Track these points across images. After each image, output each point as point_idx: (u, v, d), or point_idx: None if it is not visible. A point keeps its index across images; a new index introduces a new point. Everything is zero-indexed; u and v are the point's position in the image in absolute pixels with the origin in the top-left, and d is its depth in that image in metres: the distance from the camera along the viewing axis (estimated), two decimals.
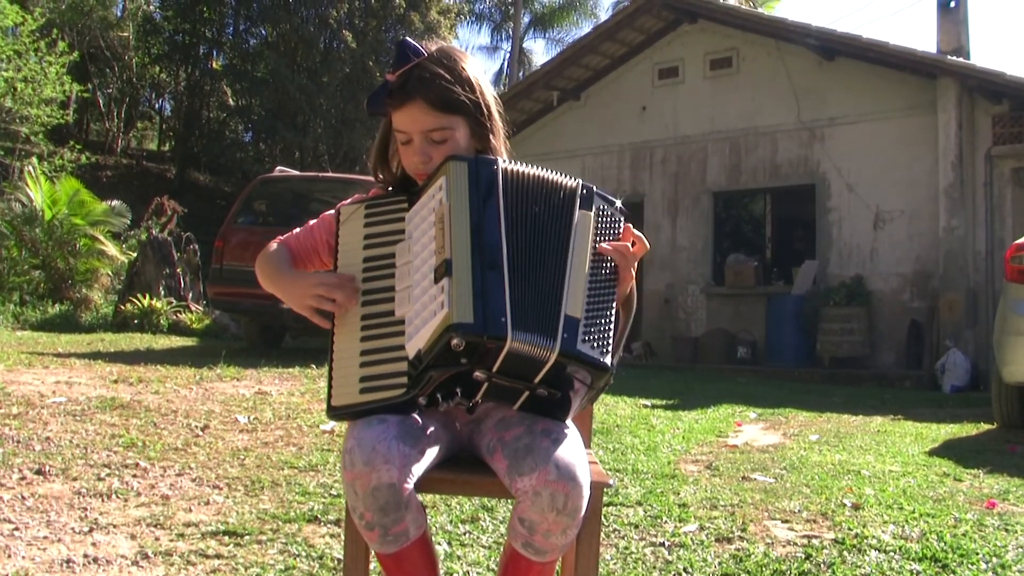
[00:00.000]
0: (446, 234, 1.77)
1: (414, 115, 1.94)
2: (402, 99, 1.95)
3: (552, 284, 1.78)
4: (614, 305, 1.84)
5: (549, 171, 1.92)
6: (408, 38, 2.05)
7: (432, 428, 1.87)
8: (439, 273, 1.75)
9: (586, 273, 1.81)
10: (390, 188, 2.09)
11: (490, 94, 2.04)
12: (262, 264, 2.09)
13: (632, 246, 1.91)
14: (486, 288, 1.72)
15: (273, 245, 2.14)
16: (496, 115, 2.05)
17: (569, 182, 1.91)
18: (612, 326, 1.80)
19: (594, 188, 1.93)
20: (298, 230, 2.18)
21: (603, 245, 1.87)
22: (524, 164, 1.91)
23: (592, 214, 1.89)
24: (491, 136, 2.03)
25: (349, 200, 2.09)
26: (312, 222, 2.18)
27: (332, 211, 2.13)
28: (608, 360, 1.76)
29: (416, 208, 1.92)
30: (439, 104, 1.93)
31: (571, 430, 1.88)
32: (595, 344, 1.75)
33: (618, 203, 1.96)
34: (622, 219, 1.95)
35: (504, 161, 1.91)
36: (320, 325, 1.93)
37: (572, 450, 1.80)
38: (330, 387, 1.85)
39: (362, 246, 1.97)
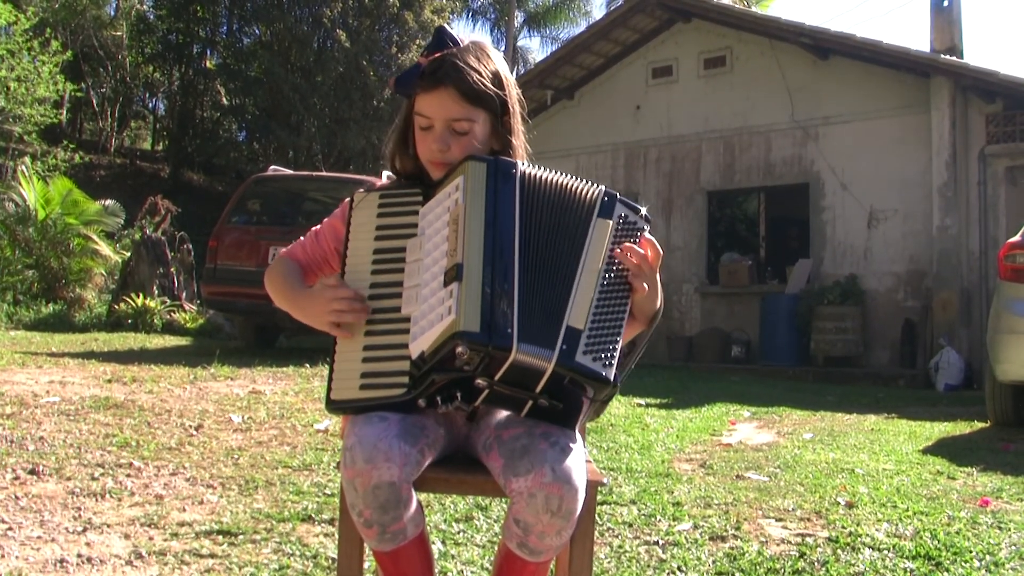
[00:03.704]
0: (459, 237, 1.76)
1: (442, 101, 1.93)
2: (433, 83, 1.93)
3: (558, 294, 1.77)
4: (625, 317, 1.82)
5: (570, 177, 1.90)
6: (446, 26, 2.04)
7: (432, 427, 1.87)
8: (449, 277, 1.73)
9: (596, 284, 1.79)
10: (403, 179, 2.07)
11: (516, 95, 2.03)
12: (272, 281, 2.06)
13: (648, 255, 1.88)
14: (495, 298, 1.70)
15: (280, 259, 2.11)
16: (519, 117, 2.04)
17: (590, 189, 1.90)
18: (619, 338, 1.78)
19: (617, 196, 1.91)
20: (303, 239, 2.15)
21: (617, 252, 1.84)
22: (545, 169, 1.89)
23: (611, 222, 1.86)
24: (511, 137, 2.02)
25: (362, 190, 2.06)
26: (316, 228, 2.15)
27: (337, 214, 2.10)
28: (610, 373, 1.74)
29: (431, 205, 1.90)
30: (468, 94, 1.92)
31: (571, 432, 1.86)
32: (597, 356, 1.73)
33: (643, 210, 1.94)
34: (646, 228, 1.92)
35: (524, 165, 1.89)
36: (338, 335, 1.89)
37: (569, 453, 1.78)
38: (330, 379, 1.83)
39: (373, 236, 1.95)
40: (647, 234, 1.92)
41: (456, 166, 1.88)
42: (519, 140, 2.05)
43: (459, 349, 1.66)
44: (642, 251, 1.87)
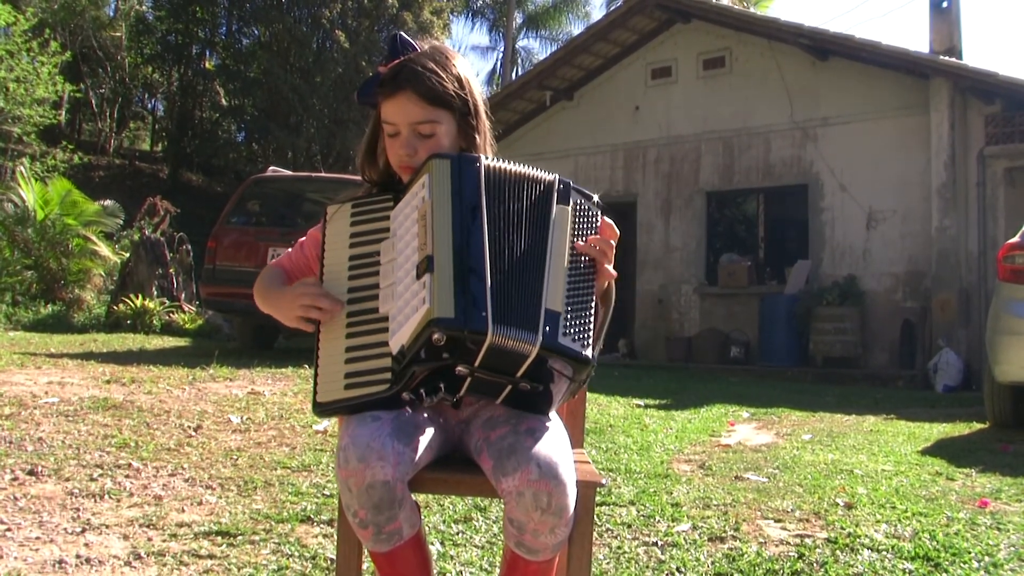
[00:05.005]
0: (428, 231, 1.79)
1: (403, 106, 1.96)
2: (392, 89, 1.96)
3: (532, 278, 1.79)
4: (594, 298, 1.85)
5: (527, 167, 1.92)
6: (402, 33, 2.05)
7: (426, 427, 1.87)
8: (421, 269, 1.76)
9: (565, 267, 1.82)
10: (375, 188, 2.10)
11: (478, 94, 2.05)
12: (258, 288, 2.11)
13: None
14: (467, 284, 1.73)
15: (267, 268, 2.17)
16: (483, 115, 2.06)
17: (546, 177, 1.91)
18: (592, 319, 1.81)
19: (571, 183, 1.93)
20: (290, 250, 2.21)
21: (579, 243, 1.87)
22: (506, 161, 1.91)
23: (570, 209, 1.89)
24: (476, 135, 2.04)
25: (336, 200, 2.11)
26: (301, 239, 2.20)
27: (318, 225, 2.14)
28: (589, 353, 1.77)
29: (400, 206, 1.93)
30: (428, 96, 1.95)
31: (557, 428, 1.88)
32: (576, 337, 1.76)
33: (595, 197, 1.97)
34: (599, 213, 1.95)
35: (487, 159, 1.91)
36: (308, 331, 1.94)
37: (555, 448, 1.80)
38: (315, 383, 1.86)
39: (348, 244, 1.99)
40: (603, 217, 1.96)
41: (422, 165, 1.91)
42: (484, 140, 2.07)
43: (435, 336, 1.68)
44: (602, 236, 1.91)
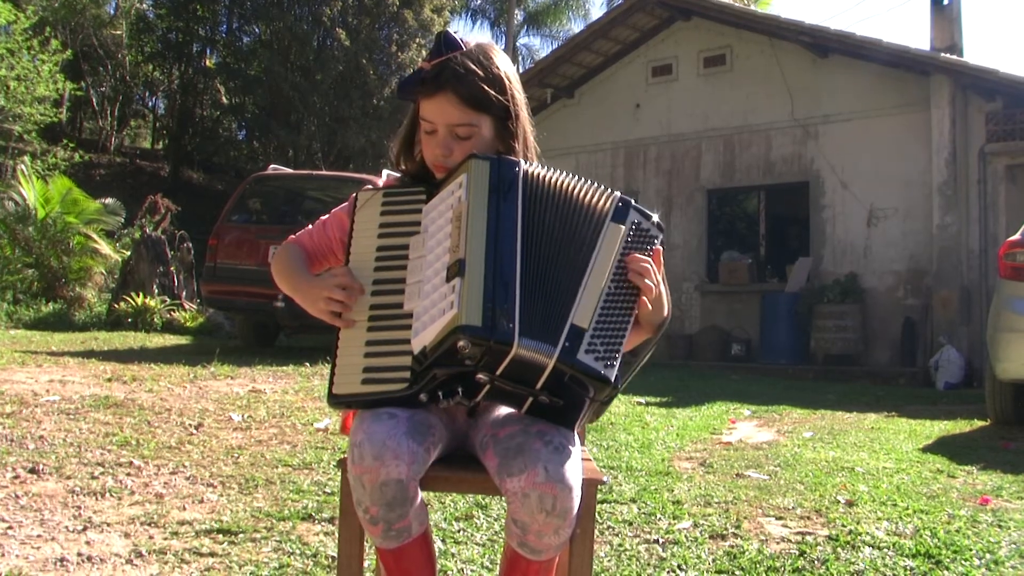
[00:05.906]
0: (462, 233, 1.77)
1: (443, 107, 1.94)
2: (433, 89, 1.94)
3: (564, 292, 1.77)
4: (630, 321, 1.82)
5: (584, 180, 1.90)
6: (450, 30, 2.04)
7: (437, 425, 1.87)
8: (451, 272, 1.74)
9: (604, 286, 1.79)
10: (408, 179, 2.08)
11: (521, 97, 2.03)
12: (277, 265, 2.08)
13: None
14: (497, 292, 1.71)
15: (288, 245, 2.13)
16: (524, 118, 2.04)
17: (605, 193, 1.89)
18: (623, 341, 1.78)
19: (632, 201, 1.91)
20: (311, 227, 2.16)
21: (626, 265, 1.83)
22: (553, 170, 1.89)
23: (624, 227, 1.87)
24: (515, 140, 2.02)
25: (368, 187, 2.07)
26: (325, 218, 2.16)
27: (344, 206, 2.11)
28: (611, 374, 1.74)
29: (434, 203, 1.91)
30: (468, 100, 1.93)
31: (567, 431, 1.86)
32: (599, 356, 1.73)
33: (654, 217, 1.94)
34: (659, 236, 1.92)
35: (527, 164, 1.89)
36: (338, 325, 1.89)
37: (564, 452, 1.78)
38: (332, 374, 1.84)
39: (376, 234, 1.96)
40: (658, 244, 1.92)
41: (460, 164, 1.89)
42: (524, 143, 2.04)
43: (460, 343, 1.66)
44: (650, 260, 1.86)
